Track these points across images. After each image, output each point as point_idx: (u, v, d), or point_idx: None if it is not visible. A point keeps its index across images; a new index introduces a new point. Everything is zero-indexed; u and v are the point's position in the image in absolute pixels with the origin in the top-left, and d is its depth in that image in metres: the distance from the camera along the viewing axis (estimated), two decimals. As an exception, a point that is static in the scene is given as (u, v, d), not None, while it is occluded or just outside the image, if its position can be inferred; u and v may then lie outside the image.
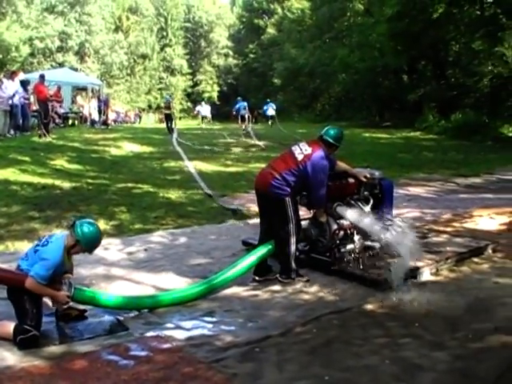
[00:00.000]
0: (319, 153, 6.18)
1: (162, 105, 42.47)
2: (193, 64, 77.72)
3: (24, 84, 20.47)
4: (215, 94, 75.46)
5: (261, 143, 22.79)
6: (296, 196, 6.26)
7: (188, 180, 13.35)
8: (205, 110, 40.77)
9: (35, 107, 19.42)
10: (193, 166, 15.36)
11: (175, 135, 24.43)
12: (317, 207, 6.46)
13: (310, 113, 50.32)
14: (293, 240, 6.11)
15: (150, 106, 68.32)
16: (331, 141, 6.39)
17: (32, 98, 19.97)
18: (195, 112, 48.55)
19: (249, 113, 32.91)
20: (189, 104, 73.17)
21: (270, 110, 35.54)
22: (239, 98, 35.24)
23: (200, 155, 17.61)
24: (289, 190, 6.07)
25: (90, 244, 4.87)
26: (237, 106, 33.15)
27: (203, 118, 40.46)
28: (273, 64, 57.99)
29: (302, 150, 6.21)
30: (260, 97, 56.80)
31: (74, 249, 4.86)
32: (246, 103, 33.41)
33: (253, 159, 17.10)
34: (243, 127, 30.13)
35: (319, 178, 6.12)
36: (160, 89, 72.26)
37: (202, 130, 32.28)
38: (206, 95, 74.09)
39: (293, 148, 6.37)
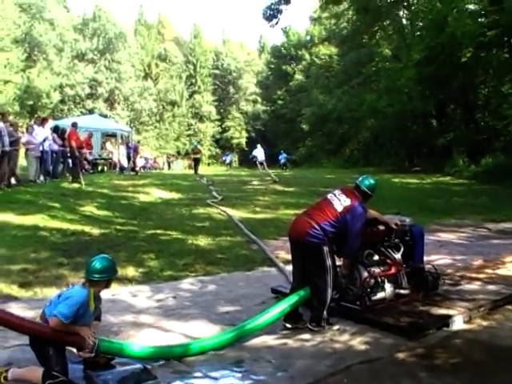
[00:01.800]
0: (357, 203, 6.24)
1: (190, 151, 45.03)
2: (221, 110, 78.67)
3: (60, 131, 20.98)
4: (243, 140, 76.04)
5: (275, 178, 26.53)
6: (332, 245, 6.23)
7: (217, 226, 13.32)
8: (230, 157, 43.99)
9: (77, 154, 19.70)
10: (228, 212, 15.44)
11: (204, 181, 24.70)
12: (347, 257, 6.43)
13: (339, 158, 50.33)
14: (329, 289, 6.07)
15: (178, 152, 68.92)
16: (367, 191, 6.46)
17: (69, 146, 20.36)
18: (223, 159, 52.16)
19: (264, 158, 40.04)
20: (217, 150, 73.85)
21: (283, 159, 46.80)
22: (258, 145, 42.74)
23: (229, 202, 17.60)
24: (326, 239, 6.06)
25: (106, 275, 4.82)
26: (254, 153, 41.41)
27: (229, 164, 42.74)
28: (301, 110, 58.24)
29: (340, 201, 6.25)
30: (288, 142, 57.27)
31: (96, 289, 4.85)
32: (263, 150, 40.76)
33: (282, 206, 17.00)
34: (261, 170, 36.56)
35: (358, 228, 6.16)
36: (189, 135, 73.09)
37: (231, 175, 32.47)
38: (235, 141, 74.92)
39: (329, 197, 6.40)
